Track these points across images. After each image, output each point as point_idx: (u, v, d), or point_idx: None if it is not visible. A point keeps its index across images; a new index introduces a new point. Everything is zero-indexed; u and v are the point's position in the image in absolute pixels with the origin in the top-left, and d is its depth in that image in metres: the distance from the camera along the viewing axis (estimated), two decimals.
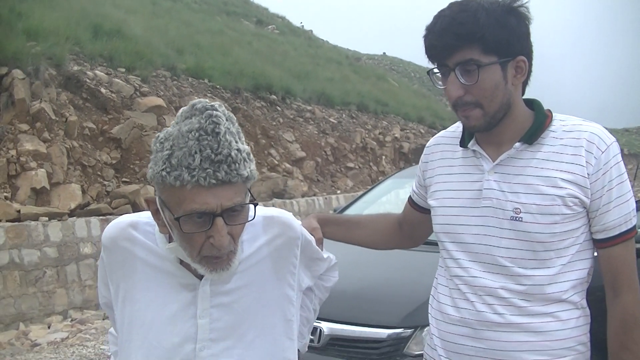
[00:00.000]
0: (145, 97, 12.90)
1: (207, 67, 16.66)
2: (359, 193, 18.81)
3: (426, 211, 2.52)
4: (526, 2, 2.16)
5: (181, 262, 1.87)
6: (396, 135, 24.74)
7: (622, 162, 2.14)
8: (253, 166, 1.73)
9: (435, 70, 2.20)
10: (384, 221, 2.80)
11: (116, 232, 1.95)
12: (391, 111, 26.54)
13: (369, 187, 8.11)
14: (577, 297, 2.19)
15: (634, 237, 2.15)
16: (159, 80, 14.08)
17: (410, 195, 2.69)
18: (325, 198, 16.56)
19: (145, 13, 19.54)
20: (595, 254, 2.22)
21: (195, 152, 1.62)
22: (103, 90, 11.96)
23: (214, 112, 1.68)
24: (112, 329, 2.25)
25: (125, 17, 16.28)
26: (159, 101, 13.06)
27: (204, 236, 1.70)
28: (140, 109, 12.53)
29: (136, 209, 11.12)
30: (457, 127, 2.44)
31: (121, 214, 7.73)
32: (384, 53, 57.77)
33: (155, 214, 1.80)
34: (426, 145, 2.56)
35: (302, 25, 38.67)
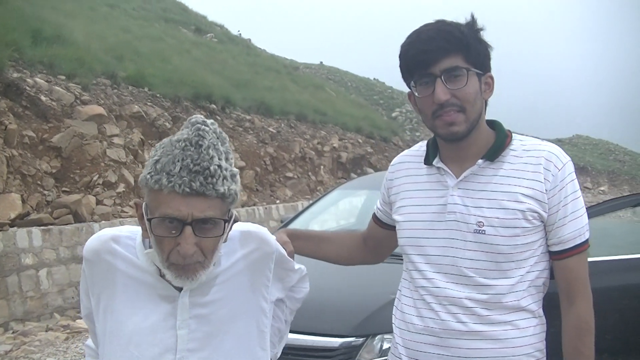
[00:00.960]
0: (86, 105, 12.72)
1: (147, 75, 16.51)
2: (298, 203, 18.98)
3: (390, 227, 2.65)
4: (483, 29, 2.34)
5: (161, 274, 1.93)
6: (334, 145, 24.86)
7: (576, 180, 2.30)
8: (234, 187, 1.82)
9: (414, 83, 2.32)
10: (350, 237, 2.92)
11: (98, 245, 2.02)
12: (329, 121, 26.65)
13: (316, 198, 8.20)
14: (535, 305, 2.32)
15: (587, 250, 2.30)
16: (99, 89, 13.92)
17: (374, 213, 2.81)
18: (265, 208, 16.59)
19: (83, 18, 19.26)
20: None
21: (177, 160, 1.74)
22: (43, 98, 11.78)
23: (202, 126, 1.79)
24: (89, 342, 2.31)
25: (64, 21, 16.03)
26: (100, 110, 12.90)
27: (173, 242, 1.78)
28: (81, 118, 12.36)
29: (78, 219, 10.99)
30: (420, 147, 2.57)
31: (63, 224, 7.65)
32: (321, 62, 57.97)
33: (141, 219, 1.89)
34: (390, 164, 2.68)
35: (240, 34, 38.62)
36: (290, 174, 20.88)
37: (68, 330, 8.84)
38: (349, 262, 2.95)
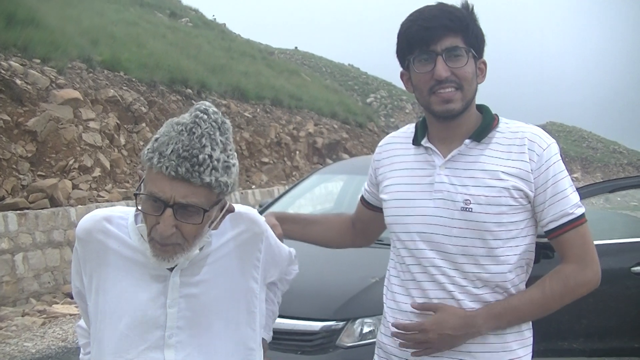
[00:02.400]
0: (62, 89, 12.63)
1: (123, 60, 16.38)
2: (274, 188, 19.00)
3: (378, 209, 2.68)
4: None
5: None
6: (310, 130, 24.84)
7: (561, 160, 2.34)
8: (225, 178, 1.84)
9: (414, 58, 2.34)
10: (338, 220, 2.95)
11: (91, 224, 2.05)
12: (305, 106, 26.60)
13: (292, 183, 8.22)
14: (521, 285, 2.37)
15: (585, 224, 2.32)
16: (74, 72, 13.81)
17: (362, 195, 2.83)
18: (241, 193, 16.56)
19: (57, 1, 19.03)
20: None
21: (170, 143, 1.78)
22: (18, 81, 11.68)
23: (201, 114, 1.83)
24: (80, 322, 2.34)
25: (38, 5, 15.85)
26: (76, 94, 12.82)
27: (154, 220, 1.83)
28: (57, 102, 12.27)
29: (54, 203, 10.95)
30: (407, 129, 2.62)
31: (39, 209, 7.67)
32: (296, 47, 57.77)
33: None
34: (378, 145, 2.72)
35: (215, 18, 38.39)
36: (265, 159, 20.87)
37: (45, 315, 8.83)
38: (337, 245, 2.99)
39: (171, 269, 1.98)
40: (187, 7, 36.19)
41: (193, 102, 17.74)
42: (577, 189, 4.86)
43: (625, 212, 8.52)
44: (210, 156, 1.79)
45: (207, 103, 1.89)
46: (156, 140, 1.82)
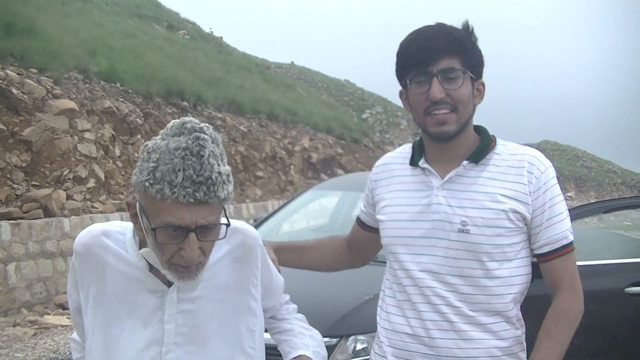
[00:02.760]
0: (58, 99, 12.61)
1: (119, 71, 16.38)
2: (268, 202, 18.98)
3: (374, 230, 2.67)
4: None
5: (150, 269, 1.97)
6: (305, 145, 24.88)
7: (558, 184, 2.36)
8: (231, 187, 1.84)
9: (416, 78, 2.33)
10: (333, 243, 2.95)
11: (89, 239, 2.04)
12: (300, 121, 26.65)
13: (286, 198, 8.22)
14: (516, 308, 2.38)
15: (574, 251, 2.35)
16: (71, 83, 13.80)
17: (358, 216, 2.83)
18: (235, 207, 16.55)
19: (55, 12, 19.05)
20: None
21: (179, 170, 1.73)
22: (14, 90, 11.66)
23: (202, 134, 1.78)
24: (74, 335, 2.33)
25: (36, 15, 15.86)
26: (72, 104, 12.80)
27: (176, 247, 1.81)
28: (52, 112, 12.25)
29: (48, 213, 10.92)
30: (404, 149, 2.62)
31: (33, 219, 7.65)
32: (292, 62, 57.88)
33: (134, 217, 1.91)
34: (375, 165, 2.72)
35: (212, 32, 38.46)
36: (260, 173, 20.88)
37: (36, 326, 8.79)
38: (335, 268, 2.99)
39: (168, 285, 1.98)
40: (185, 20, 36.25)
41: (189, 114, 17.77)
42: (572, 208, 4.87)
43: (618, 232, 8.52)
44: (220, 173, 1.79)
45: (194, 120, 1.85)
46: (154, 169, 1.76)
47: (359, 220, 2.83)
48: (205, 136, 1.79)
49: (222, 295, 2.07)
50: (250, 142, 20.98)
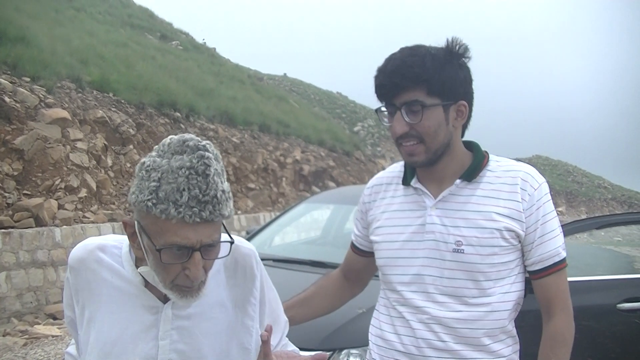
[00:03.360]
0: (50, 108, 12.59)
1: (112, 81, 16.37)
2: (260, 214, 18.95)
3: (370, 254, 2.66)
4: (468, 53, 2.36)
5: (146, 285, 1.95)
6: (297, 157, 24.87)
7: (551, 200, 2.36)
8: (232, 204, 1.82)
9: (383, 109, 2.36)
10: (331, 282, 2.93)
11: (84, 254, 2.02)
12: (292, 133, 26.65)
13: (278, 210, 8.22)
14: (510, 325, 2.39)
15: (565, 268, 2.37)
16: (63, 92, 13.78)
17: (352, 242, 2.82)
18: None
19: (48, 21, 19.04)
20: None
21: (184, 190, 1.71)
22: (7, 99, 11.65)
23: (206, 153, 1.76)
24: (69, 349, 2.29)
25: (29, 23, 15.86)
26: (64, 113, 12.79)
27: (180, 267, 1.79)
28: (45, 121, 12.23)
29: (39, 223, 10.89)
30: (395, 168, 2.62)
31: (24, 228, 7.62)
32: (285, 74, 57.89)
33: (132, 237, 1.88)
34: (366, 187, 2.71)
35: (205, 42, 38.46)
36: (252, 185, 20.85)
37: (26, 336, 8.74)
38: (340, 305, 2.97)
39: (163, 301, 1.97)
40: (178, 30, 36.25)
41: (181, 125, 17.79)
42: (565, 224, 4.89)
43: (609, 248, 8.54)
44: (223, 191, 1.77)
45: (193, 137, 1.82)
46: (156, 189, 1.73)
47: (354, 247, 2.82)
48: (209, 154, 1.77)
49: (217, 312, 2.05)
50: (242, 154, 20.96)
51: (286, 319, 2.40)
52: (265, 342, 1.94)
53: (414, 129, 2.28)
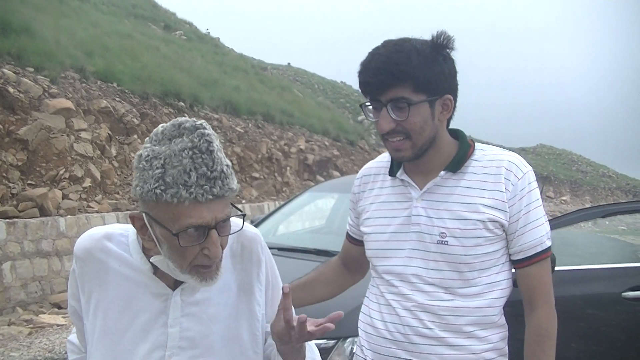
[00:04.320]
0: (54, 98, 12.60)
1: (116, 71, 16.39)
2: (264, 203, 18.97)
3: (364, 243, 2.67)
4: (452, 44, 2.33)
5: (155, 272, 1.94)
6: (301, 146, 24.89)
7: (537, 188, 2.35)
8: (235, 178, 1.82)
9: (368, 103, 2.35)
10: (331, 269, 2.94)
11: (91, 243, 2.00)
12: (296, 122, 26.68)
13: (282, 199, 8.22)
14: (498, 314, 2.39)
15: (549, 257, 2.37)
16: (67, 82, 13.79)
17: (347, 232, 2.85)
18: (231, 208, 16.41)
19: (53, 12, 19.04)
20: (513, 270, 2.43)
21: (191, 170, 1.70)
22: (11, 89, 11.65)
23: (205, 130, 1.75)
24: (71, 337, 2.29)
25: (33, 14, 15.85)
26: (68, 103, 12.80)
27: (198, 248, 1.78)
28: (49, 111, 12.25)
29: (43, 212, 10.91)
30: (383, 158, 2.63)
31: (28, 218, 7.60)
32: (289, 64, 57.90)
33: (141, 230, 1.86)
34: (356, 177, 2.72)
35: (209, 32, 38.44)
36: (256, 174, 20.87)
37: (31, 325, 8.77)
38: (341, 291, 2.98)
39: (172, 288, 1.96)
40: (182, 20, 36.26)
41: (185, 115, 17.78)
42: (569, 213, 4.88)
43: (614, 237, 8.54)
44: (228, 165, 1.77)
45: (188, 119, 1.81)
46: (162, 175, 1.72)
47: (349, 236, 2.84)
48: (208, 131, 1.76)
49: (225, 298, 2.04)
50: (246, 143, 20.98)
51: None
52: (285, 295, 1.93)
53: (400, 125, 2.28)
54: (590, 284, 4.48)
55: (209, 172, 1.72)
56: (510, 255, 2.38)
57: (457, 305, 2.32)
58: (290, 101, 29.92)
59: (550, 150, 76.90)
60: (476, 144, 2.46)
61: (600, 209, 5.12)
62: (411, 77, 2.22)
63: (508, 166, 2.33)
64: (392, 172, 2.51)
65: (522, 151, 71.03)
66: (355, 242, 2.78)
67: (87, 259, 2.00)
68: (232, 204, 1.86)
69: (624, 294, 4.42)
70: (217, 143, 1.78)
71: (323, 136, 27.86)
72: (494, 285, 2.35)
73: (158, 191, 1.71)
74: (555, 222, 4.76)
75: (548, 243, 2.36)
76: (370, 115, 2.36)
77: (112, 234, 2.03)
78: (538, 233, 2.33)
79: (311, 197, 7.45)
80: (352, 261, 2.86)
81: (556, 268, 4.28)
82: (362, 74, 2.31)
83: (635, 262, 5.40)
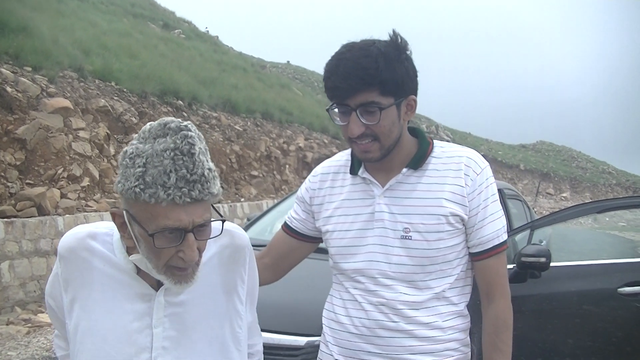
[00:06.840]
0: (52, 98, 12.58)
1: (114, 70, 16.37)
2: (263, 202, 18.97)
3: (305, 238, 2.71)
4: (408, 45, 2.35)
5: (138, 272, 1.93)
6: (300, 144, 24.89)
7: (494, 184, 2.43)
8: (219, 183, 1.82)
9: (335, 108, 2.36)
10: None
11: (74, 242, 1.98)
12: (295, 120, 26.68)
13: (280, 197, 8.19)
14: (461, 305, 2.46)
15: (505, 251, 2.44)
16: (65, 81, 13.78)
17: (286, 223, 2.79)
18: (230, 206, 16.53)
19: (51, 11, 19.02)
20: None
21: (171, 171, 1.69)
22: (9, 89, 11.63)
23: (189, 132, 1.75)
24: (58, 333, 2.28)
25: (31, 13, 15.83)
26: (66, 103, 12.78)
27: (173, 250, 1.77)
28: (47, 110, 12.22)
29: (42, 212, 10.90)
30: (342, 157, 2.66)
31: (26, 217, 7.59)
32: (288, 62, 57.93)
33: (121, 227, 1.87)
34: (312, 174, 2.73)
35: (208, 31, 38.44)
36: (255, 173, 20.87)
37: (29, 324, 8.78)
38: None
39: (155, 288, 1.95)
40: (181, 19, 36.27)
41: (184, 113, 17.79)
42: (566, 209, 4.87)
43: (613, 233, 8.55)
44: (210, 169, 1.76)
45: (175, 120, 1.80)
46: (142, 174, 1.71)
47: (287, 227, 2.78)
48: (193, 134, 1.75)
49: (209, 298, 2.04)
50: (245, 142, 20.98)
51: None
52: None
53: (369, 129, 2.30)
54: (585, 279, 4.48)
55: (188, 175, 1.71)
56: (468, 248, 2.44)
57: (421, 299, 2.38)
58: (289, 99, 29.92)
59: (550, 147, 76.84)
60: (434, 141, 2.51)
61: (596, 204, 5.11)
62: (379, 81, 2.24)
63: (467, 162, 2.40)
64: (353, 171, 2.53)
65: (522, 148, 71.04)
66: (293, 234, 2.74)
67: (70, 258, 1.98)
68: (212, 206, 1.86)
69: (619, 289, 4.42)
70: (200, 146, 1.77)
71: (322, 134, 27.85)
72: (455, 278, 2.42)
73: (137, 190, 1.71)
74: (551, 219, 4.76)
75: (504, 237, 2.43)
76: (337, 119, 2.38)
77: (96, 233, 2.01)
78: (495, 226, 2.40)
79: None
80: (277, 256, 2.79)
81: (552, 264, 4.29)
82: (329, 79, 2.32)
83: (631, 257, 5.39)
